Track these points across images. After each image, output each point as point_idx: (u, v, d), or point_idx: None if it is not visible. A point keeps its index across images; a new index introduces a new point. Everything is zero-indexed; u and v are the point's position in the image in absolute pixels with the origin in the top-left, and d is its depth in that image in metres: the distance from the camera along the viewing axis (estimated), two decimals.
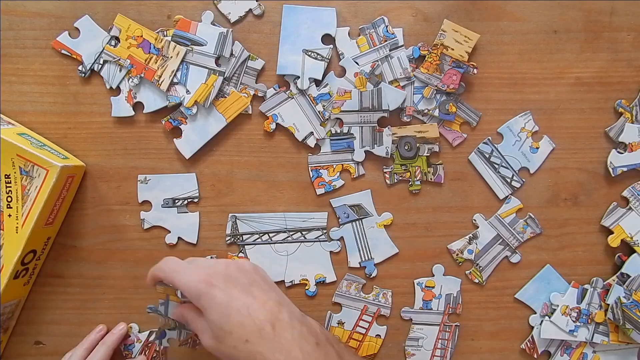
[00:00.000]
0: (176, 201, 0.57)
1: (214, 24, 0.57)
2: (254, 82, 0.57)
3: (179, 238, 0.58)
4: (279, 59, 0.56)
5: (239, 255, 0.58)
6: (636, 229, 0.57)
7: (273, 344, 0.42)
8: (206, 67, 0.56)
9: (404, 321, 0.58)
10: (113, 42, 0.57)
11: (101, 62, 0.57)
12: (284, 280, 0.58)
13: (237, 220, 0.58)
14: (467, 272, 0.58)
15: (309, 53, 0.55)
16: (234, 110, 0.57)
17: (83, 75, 0.57)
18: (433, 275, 0.58)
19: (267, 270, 0.56)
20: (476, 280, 0.58)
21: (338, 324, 0.58)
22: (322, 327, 0.48)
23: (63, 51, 0.57)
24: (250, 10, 0.57)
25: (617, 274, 0.56)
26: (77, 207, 0.58)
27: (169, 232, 0.58)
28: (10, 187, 0.51)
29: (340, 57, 0.57)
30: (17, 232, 0.51)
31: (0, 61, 0.57)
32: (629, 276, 0.56)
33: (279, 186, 0.58)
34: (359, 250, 0.58)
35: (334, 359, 0.44)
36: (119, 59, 0.56)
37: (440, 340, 0.58)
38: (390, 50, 0.57)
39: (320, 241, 0.58)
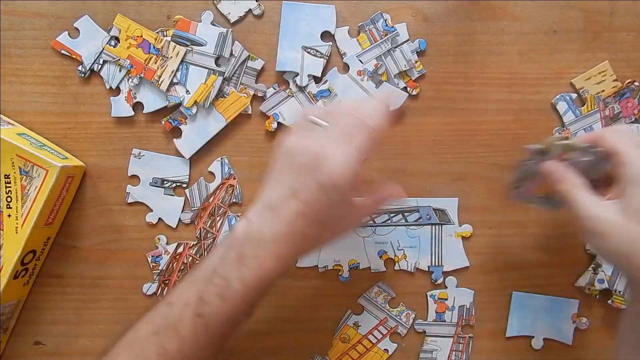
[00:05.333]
0: (165, 182, 0.57)
1: (213, 24, 0.57)
2: (254, 82, 0.57)
3: (160, 219, 0.58)
4: (278, 56, 0.56)
5: None
6: None
7: None
8: (206, 67, 0.56)
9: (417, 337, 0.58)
10: (113, 42, 0.57)
11: (101, 62, 0.57)
12: (317, 265, 0.58)
13: None
14: (609, 301, 0.56)
15: (308, 50, 0.55)
16: (234, 110, 0.57)
17: (83, 75, 0.57)
18: (446, 287, 0.58)
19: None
20: (624, 307, 0.56)
21: (354, 324, 0.58)
22: None
23: (63, 51, 0.57)
24: (250, 10, 0.57)
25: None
26: (77, 207, 0.58)
27: (152, 210, 0.58)
28: (9, 187, 0.51)
29: (343, 56, 0.57)
30: (16, 232, 0.51)
31: (0, 61, 0.57)
32: None
33: None
34: (432, 254, 0.58)
35: None
36: (119, 59, 0.56)
37: (454, 352, 0.58)
38: (392, 44, 0.57)
39: None
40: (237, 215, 0.58)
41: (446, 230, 0.58)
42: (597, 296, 0.57)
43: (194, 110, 0.56)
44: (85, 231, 0.58)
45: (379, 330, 0.58)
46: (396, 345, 0.58)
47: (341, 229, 0.44)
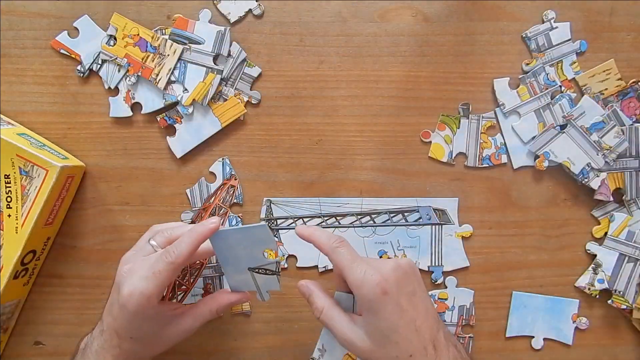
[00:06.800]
0: None
1: (211, 22, 0.57)
2: (249, 89, 0.57)
3: None
4: (228, 281, 0.50)
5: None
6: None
7: None
8: (204, 66, 0.56)
9: None
10: (111, 42, 0.57)
11: (100, 62, 0.57)
12: (317, 265, 0.57)
13: (271, 204, 0.58)
14: (609, 301, 0.56)
15: (256, 270, 0.49)
16: (230, 115, 0.57)
17: (82, 75, 0.57)
18: (446, 287, 0.58)
19: (302, 255, 0.57)
20: (624, 307, 0.56)
21: None
22: (463, 348, 0.45)
23: (62, 50, 0.57)
24: (250, 10, 0.57)
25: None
26: (77, 207, 0.58)
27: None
28: (9, 187, 0.51)
29: (501, 107, 0.57)
30: (16, 232, 0.51)
31: (0, 61, 0.57)
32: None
33: (279, 186, 0.58)
34: (431, 254, 0.58)
35: None
36: (116, 58, 0.56)
37: None
38: (551, 98, 0.57)
39: (354, 227, 0.58)
40: (238, 216, 0.58)
41: (446, 230, 0.58)
42: (597, 296, 0.57)
43: (190, 110, 0.56)
44: (85, 231, 0.58)
45: None
46: None
47: (163, 342, 0.47)
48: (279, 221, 0.58)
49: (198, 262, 0.57)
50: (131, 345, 0.45)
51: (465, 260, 0.58)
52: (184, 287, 0.57)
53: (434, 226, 0.58)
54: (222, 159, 0.58)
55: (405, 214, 0.58)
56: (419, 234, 0.58)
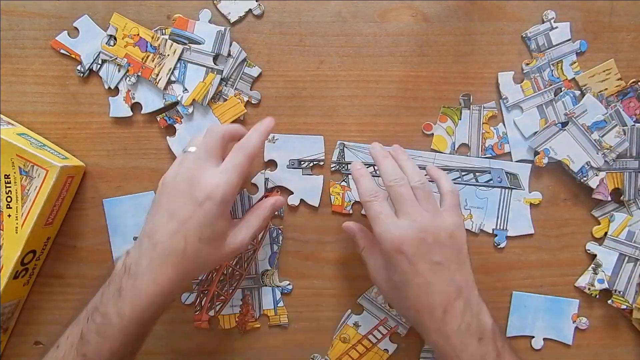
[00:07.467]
0: (302, 162, 0.57)
1: (211, 22, 0.57)
2: (249, 89, 0.57)
3: (301, 200, 0.57)
4: (113, 253, 0.57)
5: (342, 184, 0.57)
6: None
7: (438, 326, 0.44)
8: (204, 66, 0.56)
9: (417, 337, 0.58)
10: (111, 42, 0.57)
11: (100, 62, 0.57)
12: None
13: (345, 148, 0.57)
14: (609, 301, 0.56)
15: None
16: (230, 115, 0.57)
17: (81, 75, 0.57)
18: None
19: None
20: (624, 307, 0.56)
21: (354, 325, 0.57)
22: (494, 322, 0.46)
23: (62, 50, 0.57)
24: (250, 10, 0.57)
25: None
26: (77, 207, 0.58)
27: (292, 193, 0.57)
28: (9, 187, 0.51)
29: (505, 101, 0.57)
30: (16, 233, 0.51)
31: (0, 61, 0.57)
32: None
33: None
34: (498, 217, 0.57)
35: (490, 358, 0.44)
36: (116, 58, 0.56)
37: None
38: (554, 95, 0.57)
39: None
40: (279, 228, 0.57)
41: (515, 195, 0.57)
42: (597, 296, 0.57)
43: (190, 110, 0.56)
44: (85, 231, 0.58)
45: (379, 330, 0.57)
46: (396, 345, 0.58)
47: (227, 246, 0.46)
48: (349, 166, 0.57)
49: (237, 272, 0.57)
50: (196, 249, 0.43)
51: (530, 227, 0.57)
52: (222, 297, 0.57)
53: (503, 189, 0.57)
54: (264, 172, 0.57)
55: (477, 173, 0.57)
56: (487, 196, 0.57)
